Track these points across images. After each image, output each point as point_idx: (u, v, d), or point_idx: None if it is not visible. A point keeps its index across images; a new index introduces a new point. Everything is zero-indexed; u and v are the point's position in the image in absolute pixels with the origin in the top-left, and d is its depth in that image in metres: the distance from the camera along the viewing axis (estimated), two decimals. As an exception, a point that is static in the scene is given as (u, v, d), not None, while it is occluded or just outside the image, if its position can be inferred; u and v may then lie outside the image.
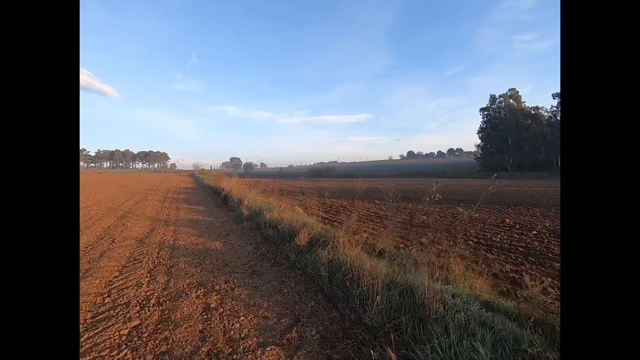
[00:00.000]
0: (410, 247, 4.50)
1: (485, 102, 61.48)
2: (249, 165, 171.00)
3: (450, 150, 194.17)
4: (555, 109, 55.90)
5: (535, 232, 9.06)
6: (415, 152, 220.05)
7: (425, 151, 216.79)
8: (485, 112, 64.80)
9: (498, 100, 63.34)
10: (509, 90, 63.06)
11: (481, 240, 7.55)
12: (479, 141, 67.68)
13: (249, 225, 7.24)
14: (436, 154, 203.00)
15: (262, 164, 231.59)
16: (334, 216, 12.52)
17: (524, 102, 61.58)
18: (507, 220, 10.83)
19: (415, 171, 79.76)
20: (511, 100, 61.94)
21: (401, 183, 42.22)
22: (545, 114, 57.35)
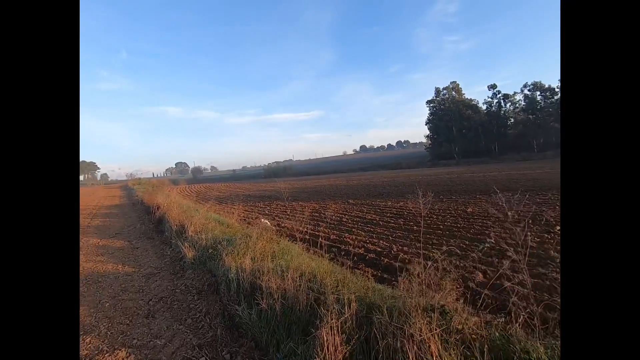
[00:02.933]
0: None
1: (425, 96, 64.90)
2: (197, 170, 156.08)
3: (399, 143, 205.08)
4: (489, 99, 61.09)
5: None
6: (367, 146, 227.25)
7: (376, 145, 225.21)
8: (432, 105, 68.19)
9: (442, 92, 67.09)
10: (450, 82, 67.23)
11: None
12: (425, 132, 71.25)
13: (196, 283, 4.03)
14: (386, 146, 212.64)
15: (213, 168, 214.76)
16: (333, 233, 9.61)
17: (464, 93, 66.32)
18: (504, 212, 9.27)
19: (371, 164, 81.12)
20: (453, 92, 66.10)
21: (363, 178, 41.25)
22: (483, 105, 62.41)
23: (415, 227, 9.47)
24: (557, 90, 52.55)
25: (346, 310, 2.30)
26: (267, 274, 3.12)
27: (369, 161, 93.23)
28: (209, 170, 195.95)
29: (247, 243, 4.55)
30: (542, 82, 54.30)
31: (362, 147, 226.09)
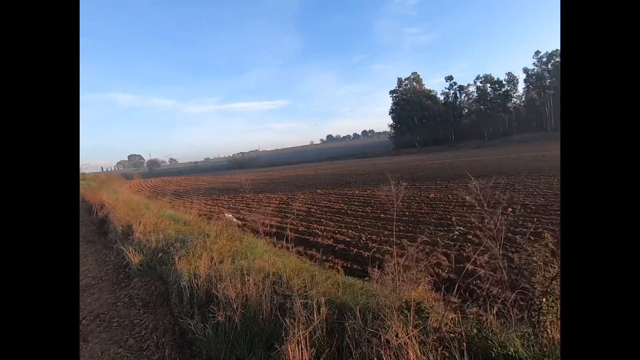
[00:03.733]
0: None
1: (388, 86, 66.59)
2: (154, 163, 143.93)
3: (364, 132, 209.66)
4: (447, 90, 64.59)
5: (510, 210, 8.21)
6: (333, 136, 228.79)
7: (342, 134, 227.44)
8: (394, 95, 70.25)
9: (404, 83, 69.34)
10: (412, 73, 69.66)
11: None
12: (389, 122, 73.58)
13: (142, 294, 3.48)
14: (352, 136, 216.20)
15: (172, 160, 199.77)
16: (301, 225, 9.18)
17: (424, 84, 69.29)
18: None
19: (338, 154, 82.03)
20: (414, 83, 68.70)
21: (331, 167, 41.46)
22: (441, 96, 65.77)
23: (382, 215, 9.60)
24: (504, 82, 57.28)
25: (315, 316, 2.04)
26: (225, 279, 2.74)
27: (335, 151, 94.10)
28: (168, 163, 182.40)
29: (204, 243, 4.07)
30: (492, 75, 58.68)
31: (329, 137, 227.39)
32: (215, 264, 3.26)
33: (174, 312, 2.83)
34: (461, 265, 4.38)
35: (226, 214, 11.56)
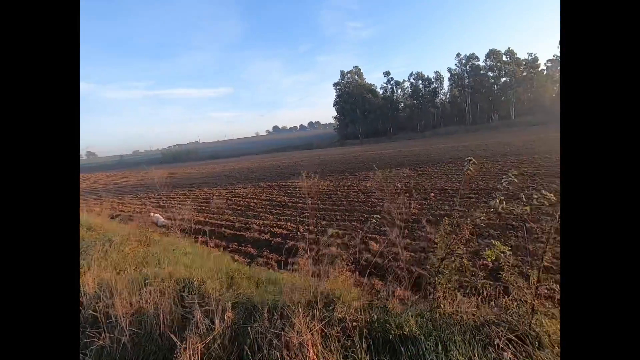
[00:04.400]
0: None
1: (333, 79, 67.97)
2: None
3: (310, 124, 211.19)
4: (385, 85, 68.78)
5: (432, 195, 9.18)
6: (280, 127, 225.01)
7: (288, 125, 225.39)
8: (338, 87, 71.92)
9: (347, 76, 71.39)
10: (353, 67, 72.04)
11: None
12: (335, 114, 75.38)
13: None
14: (299, 127, 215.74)
15: (90, 153, 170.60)
16: (239, 220, 8.52)
17: (365, 78, 72.45)
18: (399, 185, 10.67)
19: (285, 145, 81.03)
20: (356, 77, 71.29)
21: (276, 159, 40.71)
22: (380, 90, 69.71)
23: (322, 205, 9.78)
24: (432, 80, 63.57)
25: (217, 324, 1.87)
26: (119, 293, 2.35)
27: (281, 142, 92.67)
28: (85, 157, 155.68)
29: (105, 251, 3.48)
30: (423, 73, 64.44)
31: (275, 128, 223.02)
32: (113, 276, 2.79)
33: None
34: (379, 251, 4.67)
35: (153, 214, 10.36)
